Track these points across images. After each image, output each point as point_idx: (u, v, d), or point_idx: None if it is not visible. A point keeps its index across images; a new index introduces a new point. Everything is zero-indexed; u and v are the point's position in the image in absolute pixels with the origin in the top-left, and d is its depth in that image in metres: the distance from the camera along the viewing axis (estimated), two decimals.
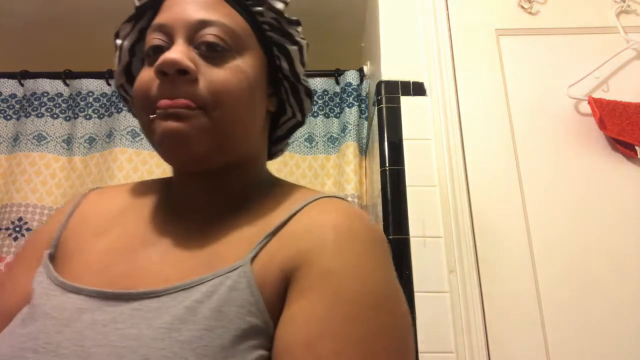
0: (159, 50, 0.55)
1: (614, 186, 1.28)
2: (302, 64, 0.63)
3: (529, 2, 1.49)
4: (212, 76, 0.53)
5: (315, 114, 1.73)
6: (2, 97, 1.72)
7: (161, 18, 0.56)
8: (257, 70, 0.58)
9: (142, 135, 1.62)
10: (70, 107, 1.71)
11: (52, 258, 0.58)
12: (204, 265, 0.51)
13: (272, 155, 0.71)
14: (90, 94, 1.72)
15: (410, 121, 1.36)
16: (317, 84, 1.76)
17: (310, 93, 0.65)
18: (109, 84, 1.72)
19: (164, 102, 0.52)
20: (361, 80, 1.72)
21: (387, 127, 1.35)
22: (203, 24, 0.55)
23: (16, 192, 1.55)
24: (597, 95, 1.36)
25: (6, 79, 1.74)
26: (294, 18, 0.62)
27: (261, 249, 0.51)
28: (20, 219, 1.52)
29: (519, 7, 1.50)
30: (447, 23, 1.49)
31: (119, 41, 0.62)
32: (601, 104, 1.31)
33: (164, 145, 0.53)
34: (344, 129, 1.64)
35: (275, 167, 1.60)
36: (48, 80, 1.73)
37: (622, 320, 1.16)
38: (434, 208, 1.26)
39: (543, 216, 1.26)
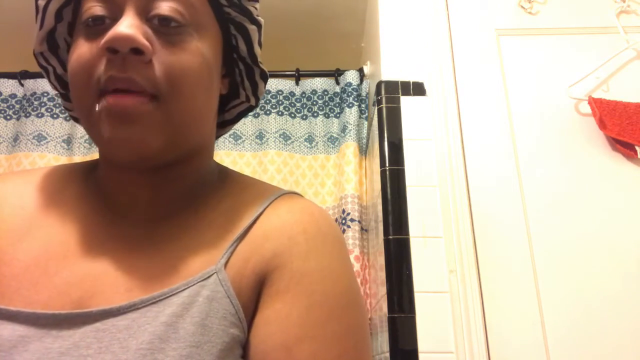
0: (100, 20, 0.46)
1: (614, 186, 1.28)
2: (260, 44, 0.58)
3: (529, 2, 1.49)
4: (168, 59, 0.46)
5: (315, 114, 1.73)
6: (2, 97, 1.72)
7: None
8: (216, 52, 0.52)
9: None
10: None
11: None
12: (168, 272, 0.46)
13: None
14: None
15: (410, 121, 1.36)
16: (317, 84, 1.75)
17: (265, 76, 0.60)
18: None
19: (112, 101, 0.44)
20: (361, 80, 1.72)
21: (387, 127, 1.35)
22: None
23: None
24: (597, 95, 1.36)
25: (6, 79, 1.74)
26: None
27: (232, 253, 0.48)
28: None
29: (519, 7, 1.50)
30: (447, 23, 1.49)
31: (41, 1, 0.51)
32: (601, 104, 1.31)
33: (112, 147, 0.47)
34: (344, 129, 1.64)
35: (275, 167, 1.60)
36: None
37: (622, 321, 1.16)
38: (434, 208, 1.26)
39: (543, 216, 1.26)
